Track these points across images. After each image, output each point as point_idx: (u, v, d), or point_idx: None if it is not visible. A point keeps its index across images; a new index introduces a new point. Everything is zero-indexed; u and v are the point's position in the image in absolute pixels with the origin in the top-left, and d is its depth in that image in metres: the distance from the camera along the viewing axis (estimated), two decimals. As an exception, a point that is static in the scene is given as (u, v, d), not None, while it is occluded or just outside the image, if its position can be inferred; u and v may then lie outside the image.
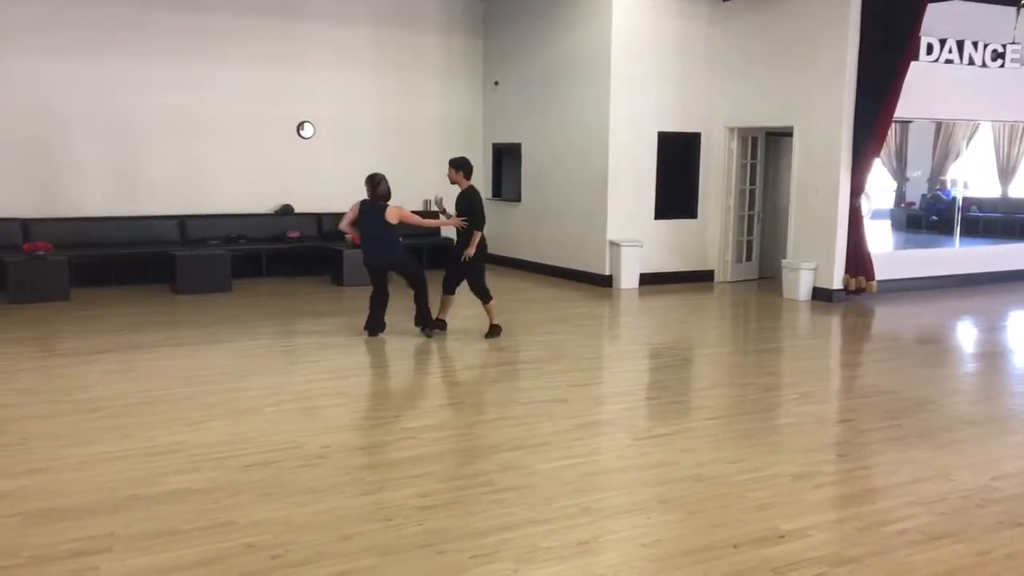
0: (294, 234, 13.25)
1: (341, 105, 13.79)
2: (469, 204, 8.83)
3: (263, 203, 13.50)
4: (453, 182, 9.02)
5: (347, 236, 10.19)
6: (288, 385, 7.24)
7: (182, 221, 12.81)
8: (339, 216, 13.61)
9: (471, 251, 8.84)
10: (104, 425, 6.08)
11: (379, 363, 8.12)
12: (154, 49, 12.51)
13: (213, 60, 12.86)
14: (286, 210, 13.55)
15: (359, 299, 11.47)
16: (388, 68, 14.05)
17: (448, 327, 9.26)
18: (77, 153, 12.27)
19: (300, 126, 13.56)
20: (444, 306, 9.28)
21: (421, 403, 6.73)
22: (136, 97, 12.49)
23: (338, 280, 12.40)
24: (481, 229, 8.81)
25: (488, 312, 9.14)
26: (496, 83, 14.50)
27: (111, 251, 12.04)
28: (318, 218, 13.65)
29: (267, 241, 13.06)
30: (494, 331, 9.11)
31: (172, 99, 12.68)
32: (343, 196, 13.88)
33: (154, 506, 4.68)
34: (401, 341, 9.00)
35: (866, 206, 11.84)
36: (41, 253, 10.80)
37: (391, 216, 8.90)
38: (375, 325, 9.17)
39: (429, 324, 9.11)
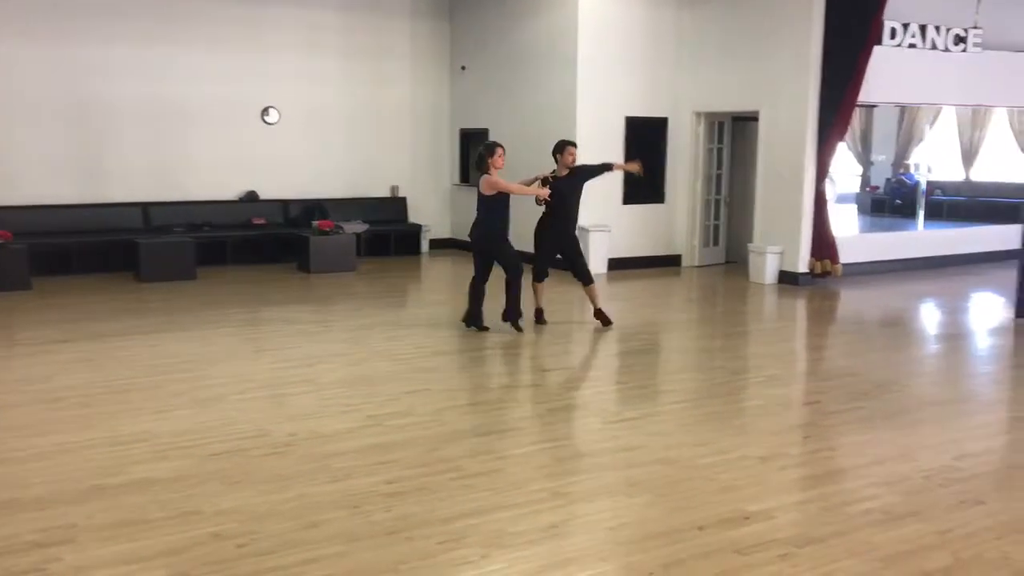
0: (260, 221, 13.12)
1: (306, 90, 13.64)
2: (584, 170, 8.79)
3: (228, 190, 13.34)
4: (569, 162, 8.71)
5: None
6: (254, 373, 7.18)
7: (145, 208, 12.62)
8: (304, 202, 13.58)
9: (634, 166, 9.08)
10: (66, 415, 5.99)
11: (347, 350, 8.07)
12: (117, 34, 12.27)
13: (177, 44, 12.65)
14: (251, 196, 13.40)
15: (326, 286, 11.42)
16: (354, 53, 13.91)
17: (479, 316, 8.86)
18: (38, 140, 12.02)
19: (265, 111, 13.40)
20: (538, 294, 8.95)
21: (389, 390, 6.70)
22: (98, 83, 12.26)
23: (305, 267, 12.31)
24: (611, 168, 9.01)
25: (592, 296, 8.93)
26: (463, 68, 14.42)
27: (73, 239, 11.84)
28: (284, 204, 13.52)
29: (232, 228, 12.91)
30: (601, 316, 8.91)
31: (135, 84, 12.47)
32: (309, 182, 13.81)
33: (118, 496, 4.62)
34: (369, 327, 8.95)
35: (831, 190, 11.93)
36: (1, 242, 10.60)
37: (484, 187, 8.30)
38: (472, 316, 8.64)
39: (516, 318, 8.58)
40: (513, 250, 8.49)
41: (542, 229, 8.82)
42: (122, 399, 6.38)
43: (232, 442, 5.47)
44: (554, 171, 8.76)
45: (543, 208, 8.69)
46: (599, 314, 8.90)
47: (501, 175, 8.40)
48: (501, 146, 8.47)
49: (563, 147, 8.73)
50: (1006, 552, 4.08)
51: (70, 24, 12.03)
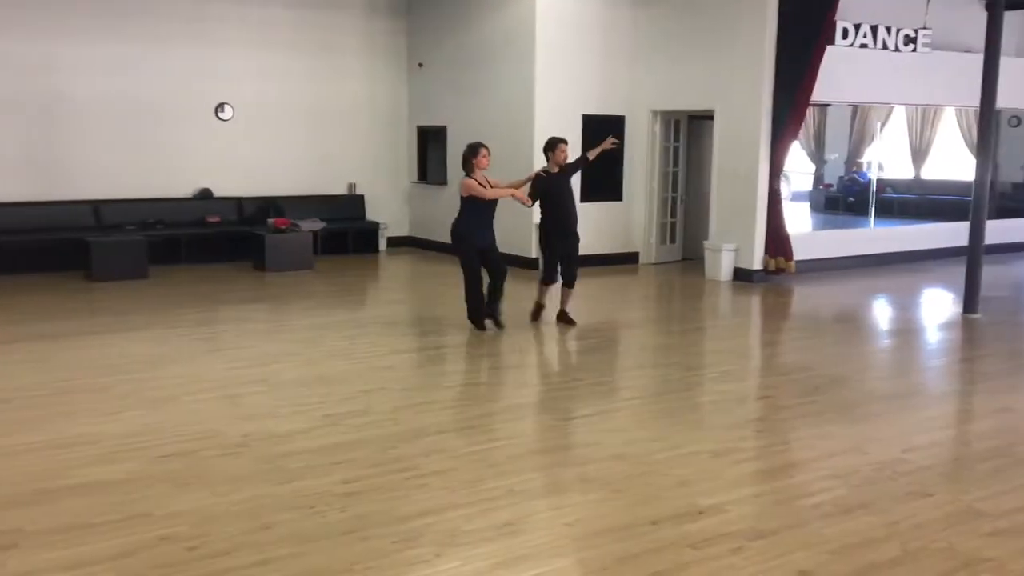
0: (214, 219, 12.95)
1: (261, 86, 13.49)
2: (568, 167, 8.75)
3: (181, 187, 13.15)
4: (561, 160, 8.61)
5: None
6: (207, 373, 7.09)
7: (96, 206, 12.40)
8: (259, 200, 13.43)
9: (605, 144, 8.89)
10: (11, 418, 5.87)
11: (303, 350, 8.00)
12: (67, 29, 12.03)
13: (129, 40, 12.44)
14: (205, 194, 13.22)
15: (282, 285, 11.31)
16: (309, 48, 13.78)
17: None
18: (-17, 136, 11.78)
19: (219, 107, 13.23)
20: (542, 293, 8.91)
21: (345, 389, 6.65)
22: (48, 79, 12.01)
23: (260, 266, 12.17)
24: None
25: (565, 298, 8.89)
26: (420, 65, 14.35)
27: (22, 238, 11.59)
28: (238, 202, 13.36)
29: (186, 226, 12.73)
30: (565, 318, 8.86)
31: (86, 81, 12.23)
32: (264, 179, 13.66)
33: (64, 500, 4.53)
34: (326, 326, 8.88)
35: (785, 188, 12.07)
36: (-55, 240, 10.36)
37: (461, 188, 8.34)
38: (475, 314, 8.53)
39: (471, 316, 8.58)
40: (468, 256, 8.38)
41: (546, 231, 8.69)
42: (70, 400, 6.26)
43: (183, 443, 5.39)
44: (546, 168, 8.67)
45: (530, 208, 8.63)
46: (563, 315, 8.90)
47: (487, 174, 8.37)
48: (485, 146, 8.39)
49: (555, 144, 8.62)
50: (952, 543, 4.16)
51: (19, 19, 11.77)
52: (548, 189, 8.50)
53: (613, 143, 8.97)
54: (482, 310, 8.49)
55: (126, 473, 4.91)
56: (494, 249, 8.49)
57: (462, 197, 8.34)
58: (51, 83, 12.05)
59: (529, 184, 8.65)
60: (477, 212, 8.32)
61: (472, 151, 8.30)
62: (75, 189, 12.34)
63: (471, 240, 8.35)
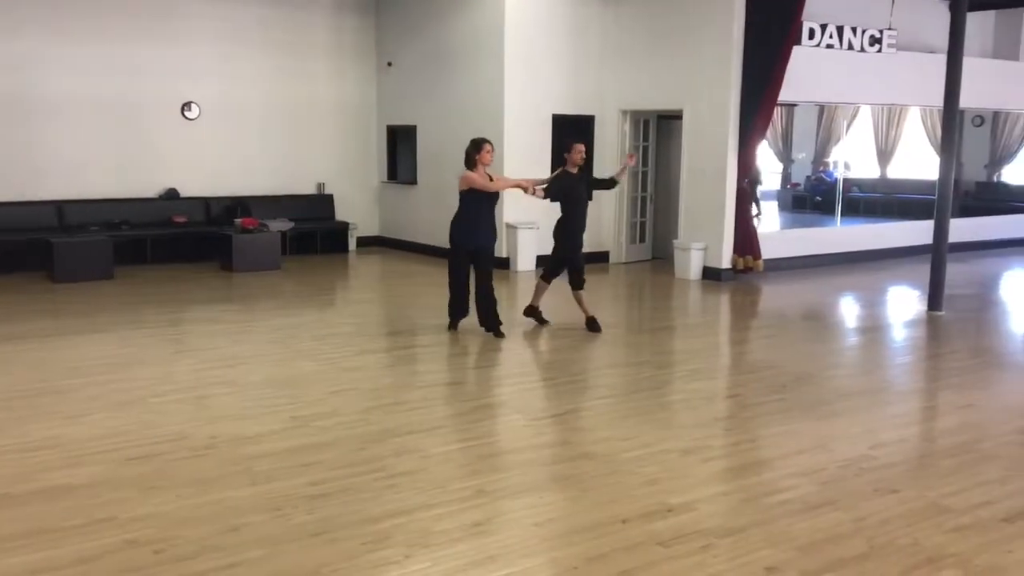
0: (180, 219, 12.82)
1: (228, 85, 13.37)
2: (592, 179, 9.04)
3: (147, 187, 13.00)
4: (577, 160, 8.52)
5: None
6: (174, 375, 7.01)
7: (60, 206, 12.23)
8: (227, 200, 13.30)
9: (629, 161, 9.11)
10: (-27, 421, 5.76)
11: (271, 351, 7.93)
12: (29, 27, 11.86)
13: (93, 38, 12.28)
14: (171, 194, 13.08)
15: (250, 285, 11.22)
16: (276, 47, 13.68)
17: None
18: (-57, 135, 11.57)
19: (186, 106, 13.09)
20: (581, 303, 8.74)
21: (314, 390, 6.61)
22: (10, 77, 11.82)
23: (228, 266, 12.06)
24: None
25: (581, 302, 8.70)
26: (389, 64, 14.30)
27: (-17, 238, 11.42)
28: (206, 202, 13.23)
29: (152, 226, 12.59)
30: (592, 324, 8.67)
31: (49, 79, 12.06)
32: (232, 179, 13.54)
33: (27, 504, 4.46)
34: (294, 327, 8.82)
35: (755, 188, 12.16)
36: (-96, 241, 10.16)
37: (459, 183, 8.14)
38: (451, 312, 8.47)
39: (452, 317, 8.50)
40: (456, 257, 8.29)
41: (560, 230, 8.61)
42: (33, 404, 6.16)
43: (149, 446, 5.33)
44: (564, 168, 8.59)
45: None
46: (591, 322, 8.69)
47: (490, 170, 8.27)
48: (489, 142, 8.23)
49: (570, 146, 8.55)
50: (917, 538, 4.21)
51: (-22, 15, 11.59)
52: (567, 190, 8.47)
53: (631, 157, 9.41)
54: (458, 311, 8.44)
55: (91, 476, 4.84)
56: (486, 253, 8.30)
57: (461, 192, 8.15)
58: (14, 81, 11.86)
59: (550, 180, 8.58)
60: (477, 207, 8.12)
61: (476, 146, 8.11)
62: (38, 189, 12.17)
63: (461, 241, 8.21)
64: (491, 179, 8.20)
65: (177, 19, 12.88)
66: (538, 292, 8.90)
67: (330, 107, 14.33)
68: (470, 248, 8.24)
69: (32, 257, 11.46)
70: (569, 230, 8.60)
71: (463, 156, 8.22)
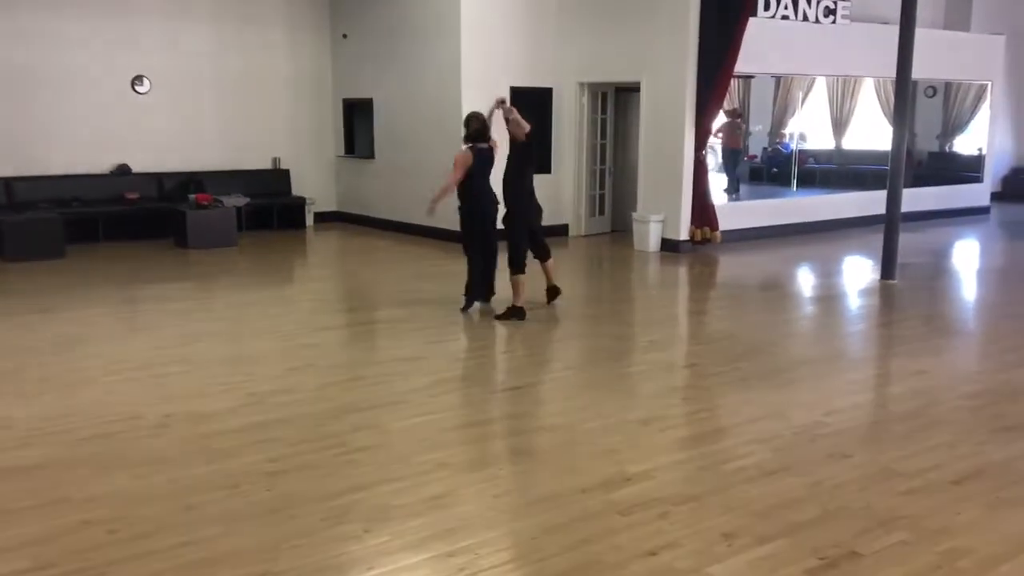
0: (133, 195, 12.58)
1: (180, 58, 13.10)
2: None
3: (98, 163, 12.73)
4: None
5: None
6: (128, 354, 6.91)
7: (7, 183, 11.94)
8: (180, 175, 13.08)
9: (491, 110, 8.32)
10: (-80, 404, 5.64)
11: (227, 328, 7.85)
12: (-34, -4, 11.53)
13: (39, 9, 11.95)
14: (123, 170, 12.82)
15: (203, 263, 11.07)
16: (228, 19, 13.41)
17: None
18: None
19: (136, 80, 12.82)
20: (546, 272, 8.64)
21: (271, 367, 6.55)
22: (-52, 49, 11.50)
23: (182, 243, 11.88)
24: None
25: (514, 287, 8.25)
26: (344, 36, 14.10)
27: (-73, 217, 11.12)
28: (158, 178, 13.00)
29: (103, 203, 12.35)
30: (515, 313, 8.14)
31: (-10, 51, 11.75)
32: (184, 154, 13.30)
33: (-23, 487, 4.38)
34: (251, 304, 8.72)
35: (711, 159, 12.21)
36: None
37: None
38: (474, 292, 8.39)
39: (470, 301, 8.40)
40: (470, 225, 8.26)
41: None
42: (-17, 385, 6.04)
43: (103, 426, 5.26)
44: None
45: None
46: (553, 290, 8.66)
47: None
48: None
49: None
50: (870, 502, 4.29)
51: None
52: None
53: (500, 101, 8.44)
54: (474, 288, 8.36)
55: (44, 457, 4.77)
56: (490, 223, 8.32)
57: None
58: (-45, 55, 11.54)
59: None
60: (480, 176, 8.17)
61: (479, 120, 8.17)
62: (-16, 166, 11.88)
63: (475, 209, 8.24)
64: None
65: (125, -10, 12.58)
66: (546, 272, 8.70)
67: (285, 80, 14.11)
68: (487, 216, 8.26)
69: (-21, 236, 11.20)
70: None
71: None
